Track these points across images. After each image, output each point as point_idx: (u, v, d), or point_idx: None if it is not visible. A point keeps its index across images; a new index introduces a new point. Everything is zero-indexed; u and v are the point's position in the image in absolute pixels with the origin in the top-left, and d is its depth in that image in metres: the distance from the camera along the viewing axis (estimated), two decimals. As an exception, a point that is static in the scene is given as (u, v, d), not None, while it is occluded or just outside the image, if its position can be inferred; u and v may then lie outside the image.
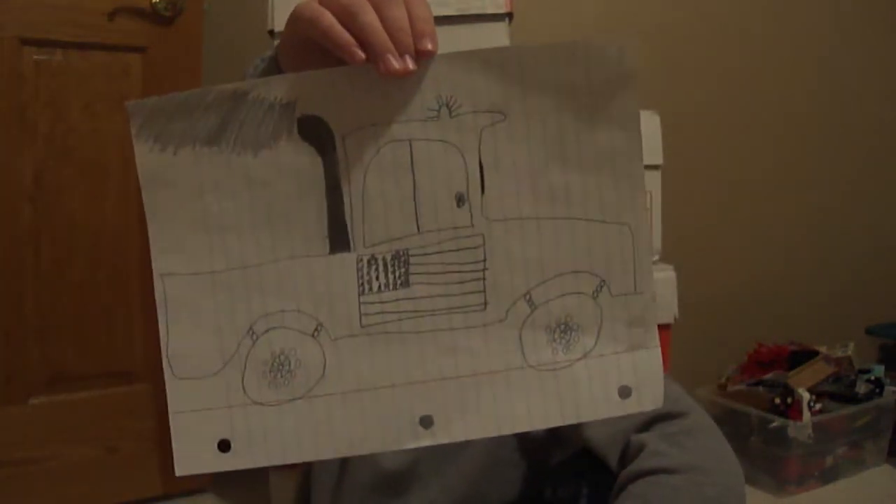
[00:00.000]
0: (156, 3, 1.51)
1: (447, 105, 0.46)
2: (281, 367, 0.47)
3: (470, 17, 1.34)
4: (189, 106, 0.45)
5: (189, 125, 0.46)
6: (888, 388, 1.71)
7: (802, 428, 1.56)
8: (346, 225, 0.47)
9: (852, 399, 1.68)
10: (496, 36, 1.36)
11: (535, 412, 0.48)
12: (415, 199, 0.46)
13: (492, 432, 0.48)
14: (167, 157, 0.46)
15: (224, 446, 0.47)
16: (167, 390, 0.47)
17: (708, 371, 1.81)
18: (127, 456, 1.61)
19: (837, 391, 1.70)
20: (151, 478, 1.62)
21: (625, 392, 0.48)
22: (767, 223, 2.10)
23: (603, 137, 0.46)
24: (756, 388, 1.71)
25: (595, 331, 0.48)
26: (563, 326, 0.48)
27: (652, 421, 0.64)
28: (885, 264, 2.17)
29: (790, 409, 1.59)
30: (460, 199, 0.47)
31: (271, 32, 1.36)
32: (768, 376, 1.72)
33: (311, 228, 0.47)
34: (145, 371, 1.62)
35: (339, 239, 0.47)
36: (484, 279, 0.47)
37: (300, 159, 0.46)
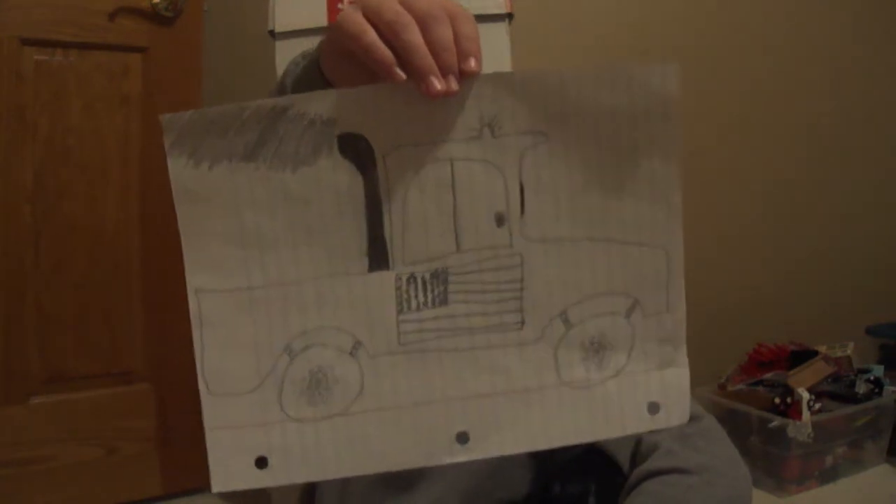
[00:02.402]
0: (156, 3, 1.51)
1: (489, 125, 0.45)
2: (318, 384, 0.47)
3: (470, 18, 1.34)
4: (225, 120, 0.45)
5: (225, 140, 0.45)
6: (888, 388, 1.71)
7: (802, 428, 1.56)
8: (385, 243, 0.46)
9: (852, 399, 1.67)
10: (496, 36, 1.36)
11: (568, 428, 0.49)
12: (455, 219, 0.46)
13: (525, 448, 0.49)
14: (202, 173, 0.45)
15: (261, 463, 0.47)
16: (202, 406, 0.47)
17: (708, 371, 1.81)
18: (127, 456, 1.61)
19: (837, 391, 1.70)
20: (151, 478, 1.62)
21: (654, 408, 0.50)
22: (768, 223, 2.10)
23: (643, 163, 0.47)
24: (756, 387, 1.71)
25: (627, 349, 0.49)
26: (596, 345, 0.49)
27: None
28: (885, 264, 2.17)
29: (790, 409, 1.59)
30: (500, 219, 0.47)
31: (271, 32, 1.36)
32: (768, 376, 1.73)
33: (350, 246, 0.46)
34: (145, 371, 1.61)
35: (378, 257, 0.47)
36: (521, 298, 0.48)
37: (340, 177, 0.46)
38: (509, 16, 1.37)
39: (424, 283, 0.47)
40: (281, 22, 1.35)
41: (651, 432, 0.64)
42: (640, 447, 0.66)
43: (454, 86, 0.43)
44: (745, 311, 2.05)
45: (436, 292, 0.47)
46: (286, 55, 1.35)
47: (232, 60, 1.73)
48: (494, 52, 1.35)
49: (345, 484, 0.77)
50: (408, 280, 0.47)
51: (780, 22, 2.06)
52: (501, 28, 1.36)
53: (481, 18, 1.35)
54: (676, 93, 0.45)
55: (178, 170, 0.45)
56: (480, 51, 0.45)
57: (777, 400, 1.61)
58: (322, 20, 1.34)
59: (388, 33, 0.44)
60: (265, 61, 1.39)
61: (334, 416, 0.47)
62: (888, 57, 2.15)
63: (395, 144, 0.45)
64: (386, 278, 0.47)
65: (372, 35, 0.44)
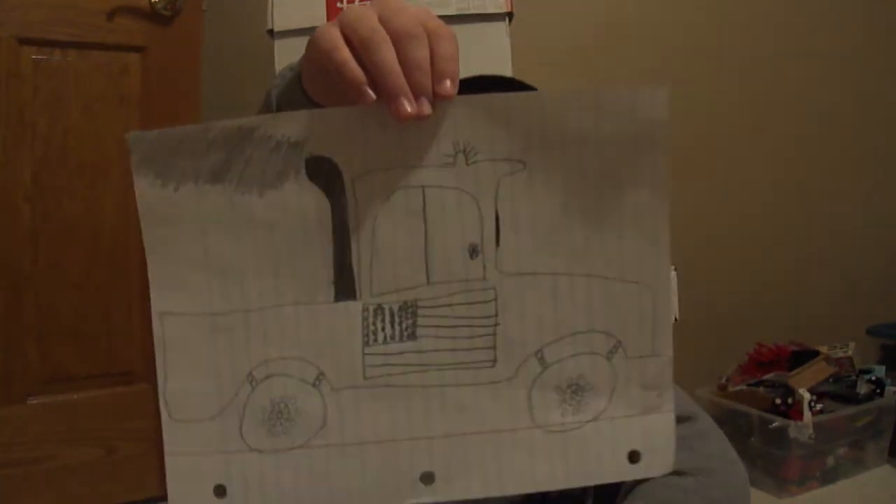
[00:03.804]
0: (155, 2, 1.51)
1: (464, 151, 0.44)
2: (280, 414, 0.46)
3: (470, 17, 1.34)
4: (192, 140, 0.43)
5: (192, 161, 0.43)
6: (889, 389, 1.71)
7: (803, 428, 1.55)
8: (352, 272, 0.45)
9: (853, 399, 1.67)
10: (496, 36, 1.35)
11: (541, 473, 0.47)
12: (426, 249, 0.44)
13: (494, 492, 0.47)
14: (168, 193, 0.44)
15: (220, 491, 0.46)
16: (163, 431, 0.46)
17: (708, 371, 1.81)
18: (126, 456, 1.61)
19: (838, 391, 1.70)
20: (150, 478, 1.62)
21: (634, 457, 0.47)
22: (768, 223, 2.09)
23: (628, 193, 0.45)
24: (756, 388, 1.71)
25: (608, 393, 0.47)
26: (574, 387, 0.47)
27: None
28: (885, 264, 2.16)
29: (791, 410, 1.59)
30: (473, 251, 0.45)
31: (271, 32, 1.36)
32: (769, 376, 1.72)
33: (317, 274, 0.45)
34: (145, 371, 1.61)
35: (344, 286, 0.45)
36: (494, 335, 0.46)
37: (307, 201, 0.44)
38: (509, 15, 1.36)
39: (392, 315, 0.45)
40: (280, 21, 1.35)
41: None
42: None
43: (426, 109, 0.41)
44: (745, 311, 2.04)
45: (404, 325, 0.45)
46: (285, 55, 1.35)
47: (231, 60, 1.73)
48: (494, 51, 1.34)
49: None
50: (375, 311, 0.45)
51: (787, 14, 2.05)
52: (501, 28, 1.36)
53: (481, 18, 1.34)
54: (666, 118, 0.43)
55: (145, 189, 0.44)
56: (458, 72, 0.42)
57: (778, 400, 1.61)
58: (321, 20, 1.34)
59: (362, 51, 0.42)
60: (264, 61, 1.39)
61: (295, 448, 0.46)
62: (885, 52, 2.15)
63: (364, 169, 0.44)
64: (352, 309, 0.45)
65: (343, 53, 0.42)
